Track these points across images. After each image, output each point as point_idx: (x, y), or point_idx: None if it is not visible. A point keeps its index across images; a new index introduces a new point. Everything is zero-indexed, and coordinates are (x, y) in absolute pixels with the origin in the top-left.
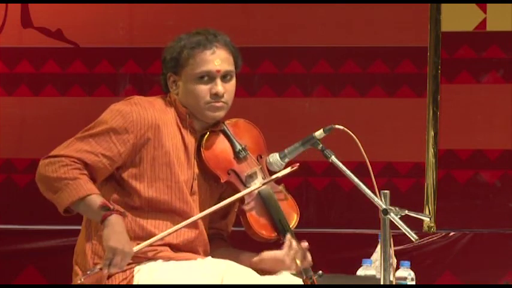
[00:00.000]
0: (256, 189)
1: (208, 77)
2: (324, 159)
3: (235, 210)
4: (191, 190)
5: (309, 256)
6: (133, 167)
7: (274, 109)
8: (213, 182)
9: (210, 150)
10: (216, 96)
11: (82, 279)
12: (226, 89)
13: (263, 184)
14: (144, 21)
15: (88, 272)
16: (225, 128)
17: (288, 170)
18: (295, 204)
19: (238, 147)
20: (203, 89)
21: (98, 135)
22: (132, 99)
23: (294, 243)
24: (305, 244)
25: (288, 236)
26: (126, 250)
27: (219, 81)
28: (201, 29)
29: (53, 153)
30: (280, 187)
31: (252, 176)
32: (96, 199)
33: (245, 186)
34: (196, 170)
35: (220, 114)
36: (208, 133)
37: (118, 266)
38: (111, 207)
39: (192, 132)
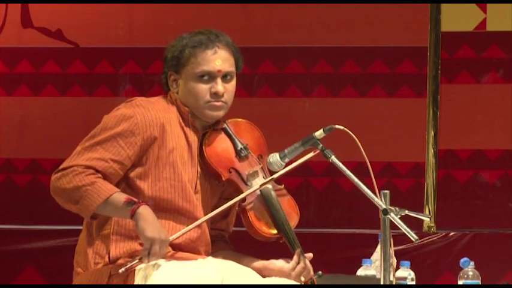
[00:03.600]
0: (260, 187)
1: (209, 77)
2: (324, 159)
3: (236, 209)
4: (195, 189)
5: (311, 270)
6: (139, 167)
7: (274, 109)
8: (214, 180)
9: (211, 149)
10: (216, 95)
11: (123, 270)
12: (227, 89)
13: (267, 181)
14: (144, 21)
15: (128, 265)
16: (227, 127)
17: (311, 154)
18: (295, 204)
19: (240, 145)
20: (203, 88)
21: (104, 142)
22: (134, 101)
23: (302, 260)
24: (310, 255)
25: (298, 251)
26: (162, 238)
27: (219, 80)
28: (203, 29)
29: (62, 166)
30: (281, 187)
31: (253, 175)
32: (119, 197)
33: (246, 184)
34: (199, 169)
35: (220, 113)
36: (210, 132)
37: (157, 254)
38: (136, 200)
39: (194, 131)
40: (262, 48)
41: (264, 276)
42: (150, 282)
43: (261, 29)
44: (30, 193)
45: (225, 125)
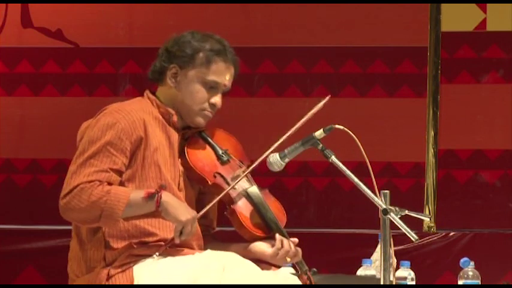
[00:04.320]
0: (243, 177)
1: (214, 87)
2: (324, 159)
3: (225, 213)
4: (178, 186)
5: (299, 254)
6: (128, 169)
7: (274, 109)
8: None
9: (194, 155)
10: (213, 107)
11: (157, 254)
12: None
13: (243, 176)
14: (144, 21)
15: (161, 250)
16: (205, 134)
17: (322, 102)
18: (281, 206)
19: (220, 151)
20: (205, 95)
21: (97, 154)
22: (110, 108)
23: (286, 243)
24: (295, 240)
25: (278, 237)
26: (193, 216)
27: (220, 94)
28: (217, 36)
29: (66, 190)
30: (266, 190)
31: (237, 178)
32: (137, 194)
33: (232, 188)
34: (181, 168)
35: (205, 123)
36: (189, 138)
37: (190, 232)
38: (153, 191)
39: (176, 130)
40: (262, 48)
41: (249, 258)
42: (150, 280)
43: (261, 29)
44: (30, 193)
45: (203, 132)
